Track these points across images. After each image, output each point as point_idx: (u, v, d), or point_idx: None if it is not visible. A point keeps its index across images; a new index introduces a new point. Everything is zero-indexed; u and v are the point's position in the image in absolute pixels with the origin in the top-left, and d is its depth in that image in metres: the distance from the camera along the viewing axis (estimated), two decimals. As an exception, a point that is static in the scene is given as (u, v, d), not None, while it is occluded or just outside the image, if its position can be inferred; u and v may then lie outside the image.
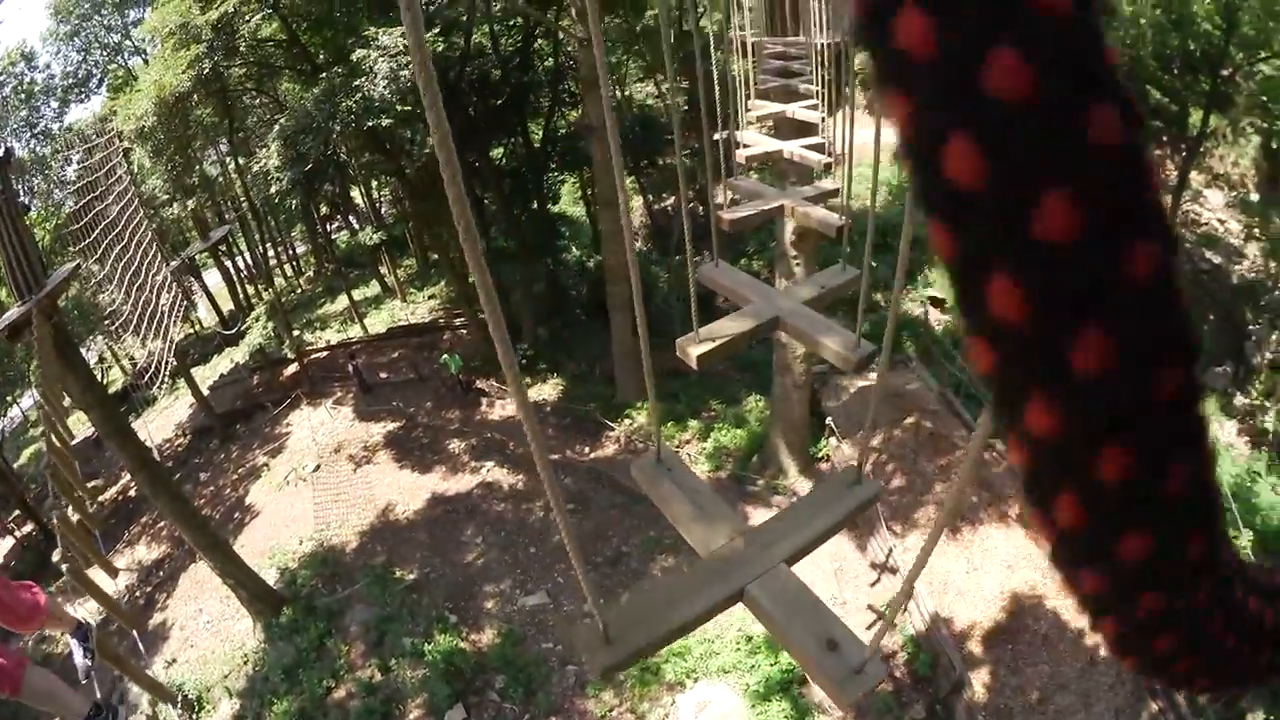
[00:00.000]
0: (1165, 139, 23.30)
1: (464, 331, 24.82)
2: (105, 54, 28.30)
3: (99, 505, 19.20)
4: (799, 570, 1.90)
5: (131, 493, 19.31)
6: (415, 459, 18.35)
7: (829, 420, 16.77)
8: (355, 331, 26.99)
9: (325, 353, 25.02)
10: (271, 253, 38.26)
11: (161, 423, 23.18)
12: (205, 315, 34.75)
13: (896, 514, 13.86)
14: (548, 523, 15.84)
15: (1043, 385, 0.24)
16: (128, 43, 27.96)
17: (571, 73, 23.37)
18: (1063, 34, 0.21)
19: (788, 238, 14.18)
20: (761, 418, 18.27)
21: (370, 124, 15.06)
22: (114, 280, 15.94)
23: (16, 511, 20.49)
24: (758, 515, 15.47)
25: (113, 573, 7.63)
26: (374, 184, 32.90)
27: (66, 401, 10.10)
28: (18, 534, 20.03)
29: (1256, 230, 22.16)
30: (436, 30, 16.24)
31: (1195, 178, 22.20)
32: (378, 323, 27.96)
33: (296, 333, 23.87)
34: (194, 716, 12.66)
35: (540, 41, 23.97)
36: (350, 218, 35.85)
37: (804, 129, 6.76)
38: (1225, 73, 19.43)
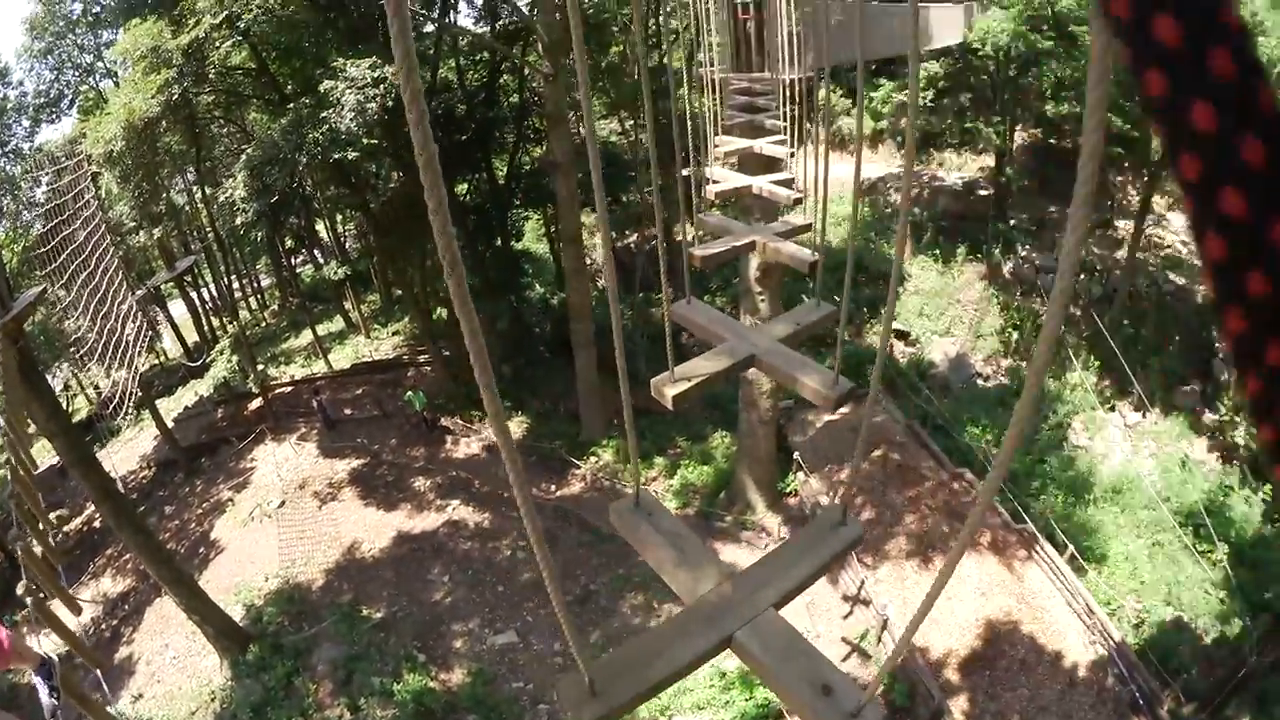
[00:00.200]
0: (1127, 165, 24.19)
1: (428, 369, 24.56)
2: (77, 74, 27.83)
3: (64, 535, 18.66)
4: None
5: (96, 523, 18.72)
6: (380, 496, 18.00)
7: (796, 455, 16.81)
8: (319, 367, 26.58)
9: (290, 388, 24.59)
10: (236, 285, 37.67)
11: (126, 454, 22.48)
12: (170, 346, 33.93)
13: (867, 546, 13.88)
14: (515, 561, 15.57)
15: (1258, 260, 0.36)
16: (100, 64, 27.57)
17: (536, 109, 23.57)
18: (1241, 40, 0.36)
19: (752, 274, 14.27)
20: (728, 454, 18.27)
21: (336, 156, 14.98)
22: (79, 307, 15.48)
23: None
24: (727, 551, 15.37)
25: (76, 610, 7.27)
26: (339, 218, 32.66)
27: (31, 429, 9.83)
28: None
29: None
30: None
31: (1157, 201, 22.98)
32: (342, 358, 27.57)
33: (261, 367, 23.41)
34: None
35: (506, 77, 24.18)
36: (315, 251, 35.47)
37: (770, 164, 6.84)
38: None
